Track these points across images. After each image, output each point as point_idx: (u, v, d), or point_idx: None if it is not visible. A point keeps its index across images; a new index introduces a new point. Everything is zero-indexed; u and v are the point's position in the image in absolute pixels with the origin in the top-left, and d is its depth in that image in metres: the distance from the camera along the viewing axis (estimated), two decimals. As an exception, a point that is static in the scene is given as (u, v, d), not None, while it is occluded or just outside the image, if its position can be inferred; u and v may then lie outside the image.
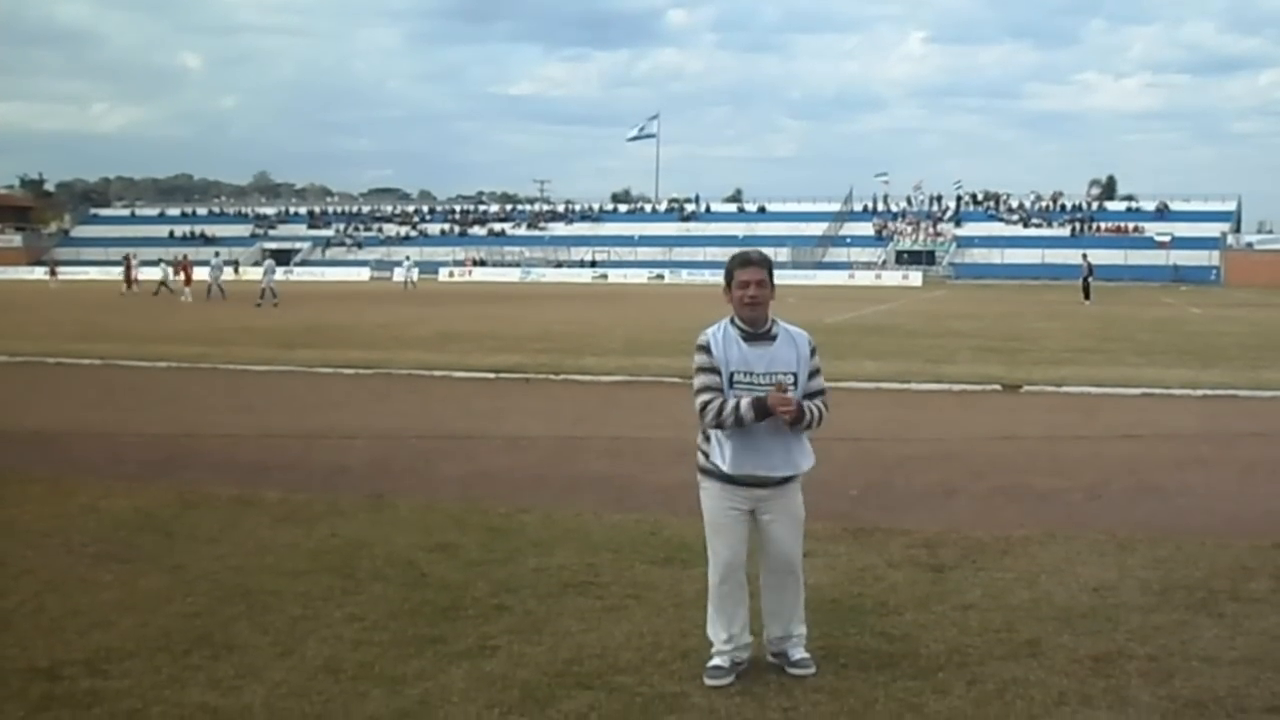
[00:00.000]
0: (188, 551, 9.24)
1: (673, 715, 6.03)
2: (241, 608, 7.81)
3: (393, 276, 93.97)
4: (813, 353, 6.63)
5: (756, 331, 6.52)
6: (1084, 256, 68.00)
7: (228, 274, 71.28)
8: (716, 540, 6.66)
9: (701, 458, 6.66)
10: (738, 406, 6.34)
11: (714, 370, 6.47)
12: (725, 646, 6.59)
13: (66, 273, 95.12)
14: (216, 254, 74.19)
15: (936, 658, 6.86)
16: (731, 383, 6.45)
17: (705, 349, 6.52)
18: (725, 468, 6.49)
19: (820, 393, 6.64)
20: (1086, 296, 59.75)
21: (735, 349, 6.49)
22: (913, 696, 6.26)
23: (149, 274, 71.88)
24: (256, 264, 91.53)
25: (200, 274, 64.08)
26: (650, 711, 6.07)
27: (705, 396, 6.46)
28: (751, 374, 6.43)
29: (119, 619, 7.57)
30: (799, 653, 6.66)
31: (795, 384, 6.45)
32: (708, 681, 6.44)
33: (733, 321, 6.57)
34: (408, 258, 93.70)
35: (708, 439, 6.58)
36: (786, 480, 6.62)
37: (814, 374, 6.61)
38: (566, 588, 8.26)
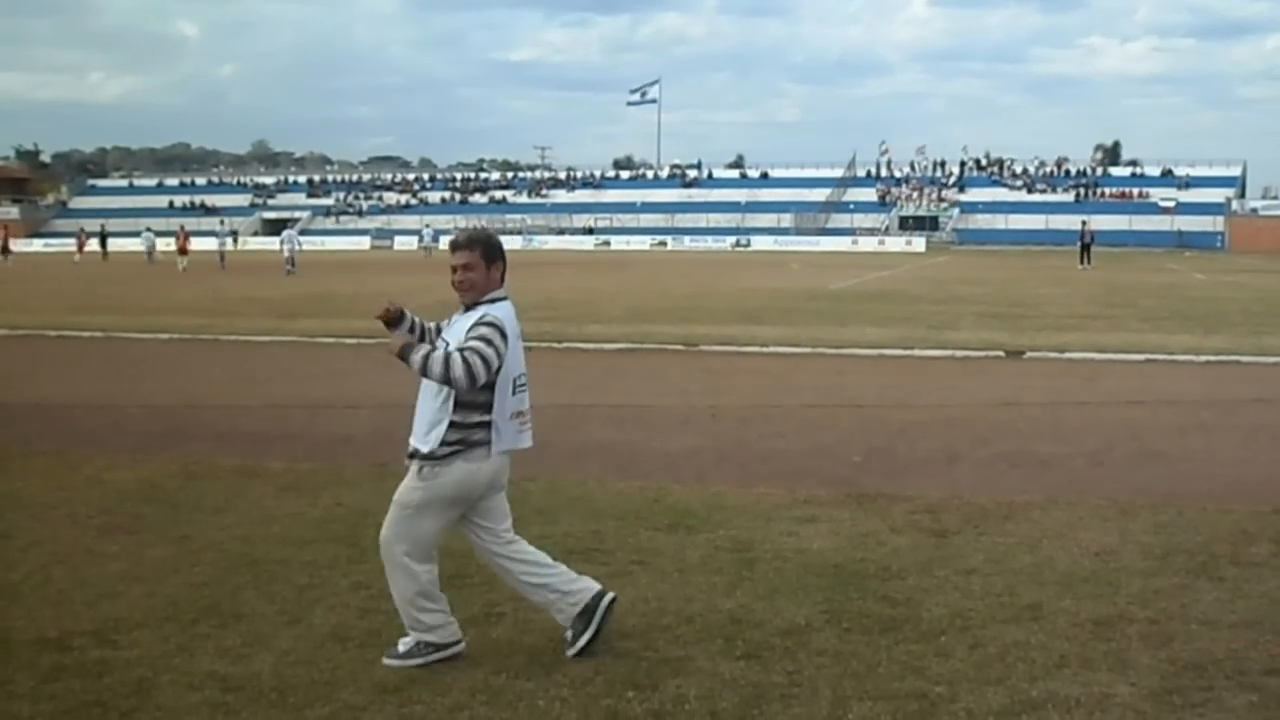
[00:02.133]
0: (193, 522, 9.32)
1: (677, 679, 6.10)
2: (248, 577, 7.89)
3: (393, 244, 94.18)
4: (476, 324, 6.24)
5: (465, 308, 6.41)
6: (1084, 223, 68.38)
7: (228, 244, 72.07)
8: None
9: None
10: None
11: None
12: None
13: (59, 244, 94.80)
14: (222, 222, 75.10)
15: (939, 621, 6.94)
16: None
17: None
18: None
19: (464, 348, 6.15)
20: (1086, 261, 60.19)
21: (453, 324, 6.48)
22: (915, 659, 6.34)
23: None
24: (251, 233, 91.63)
25: (210, 244, 64.91)
26: (655, 675, 6.14)
27: None
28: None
29: (127, 589, 7.65)
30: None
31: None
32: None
33: None
34: (427, 225, 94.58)
35: None
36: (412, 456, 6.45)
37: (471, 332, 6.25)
38: (571, 555, 8.30)
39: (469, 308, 6.36)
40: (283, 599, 7.44)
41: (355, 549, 8.47)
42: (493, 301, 6.37)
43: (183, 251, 61.73)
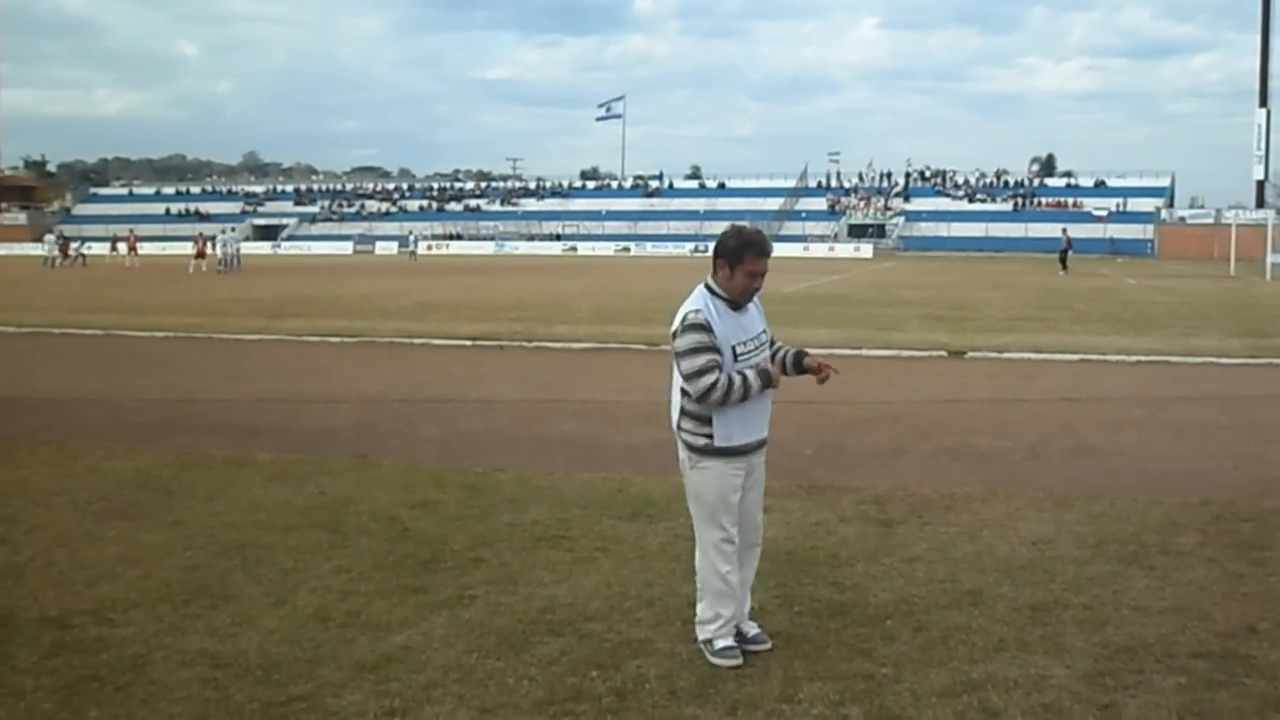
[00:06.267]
0: (186, 509, 9.26)
1: (638, 659, 6.07)
2: (237, 561, 7.83)
3: (381, 249, 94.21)
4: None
5: (740, 303, 6.19)
6: (1064, 231, 69.08)
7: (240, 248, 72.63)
8: (727, 518, 6.26)
9: (700, 439, 6.20)
10: (746, 380, 6.05)
11: (716, 350, 6.04)
12: (729, 622, 6.29)
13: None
14: (233, 229, 75.80)
15: (885, 606, 6.93)
16: (736, 355, 6.11)
17: (706, 328, 6.05)
18: (734, 441, 6.18)
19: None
20: (1064, 267, 60.71)
21: (729, 321, 6.12)
22: (862, 642, 6.32)
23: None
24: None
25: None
26: (617, 656, 6.12)
27: (711, 377, 5.99)
28: (746, 341, 6.14)
29: (123, 571, 7.60)
30: (753, 627, 6.40)
31: (770, 342, 6.39)
32: (729, 663, 6.07)
33: (712, 293, 6.18)
34: (411, 232, 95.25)
35: (703, 420, 6.17)
36: (764, 443, 6.39)
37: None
38: (539, 541, 8.30)
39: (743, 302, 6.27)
40: (269, 581, 7.39)
41: (337, 535, 8.44)
42: None
43: (200, 255, 62.15)
